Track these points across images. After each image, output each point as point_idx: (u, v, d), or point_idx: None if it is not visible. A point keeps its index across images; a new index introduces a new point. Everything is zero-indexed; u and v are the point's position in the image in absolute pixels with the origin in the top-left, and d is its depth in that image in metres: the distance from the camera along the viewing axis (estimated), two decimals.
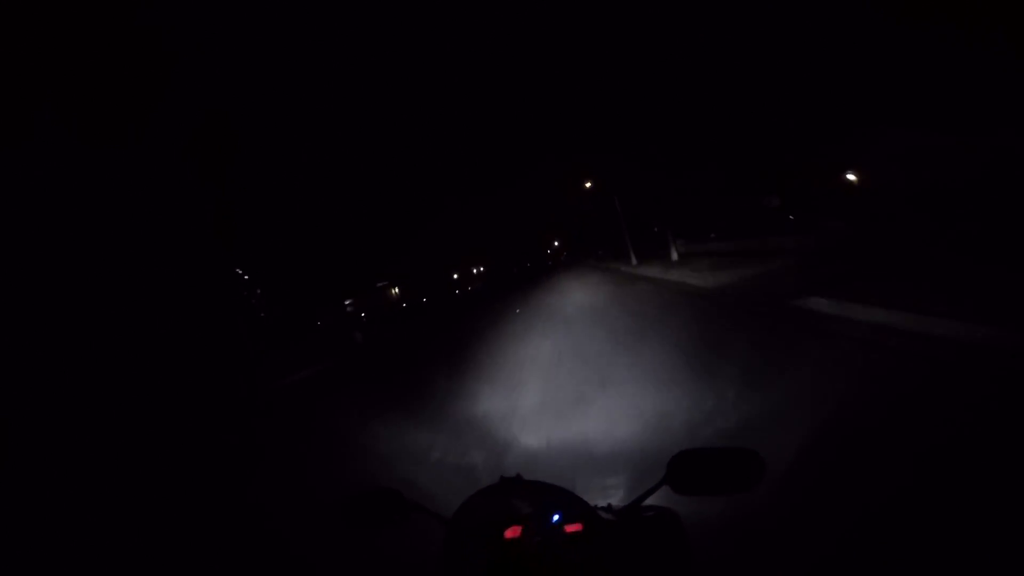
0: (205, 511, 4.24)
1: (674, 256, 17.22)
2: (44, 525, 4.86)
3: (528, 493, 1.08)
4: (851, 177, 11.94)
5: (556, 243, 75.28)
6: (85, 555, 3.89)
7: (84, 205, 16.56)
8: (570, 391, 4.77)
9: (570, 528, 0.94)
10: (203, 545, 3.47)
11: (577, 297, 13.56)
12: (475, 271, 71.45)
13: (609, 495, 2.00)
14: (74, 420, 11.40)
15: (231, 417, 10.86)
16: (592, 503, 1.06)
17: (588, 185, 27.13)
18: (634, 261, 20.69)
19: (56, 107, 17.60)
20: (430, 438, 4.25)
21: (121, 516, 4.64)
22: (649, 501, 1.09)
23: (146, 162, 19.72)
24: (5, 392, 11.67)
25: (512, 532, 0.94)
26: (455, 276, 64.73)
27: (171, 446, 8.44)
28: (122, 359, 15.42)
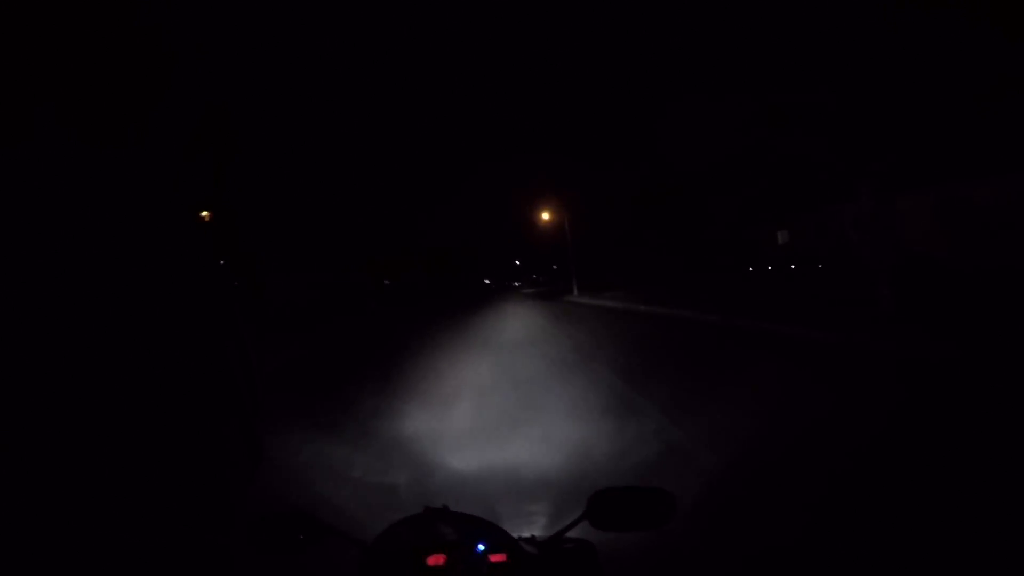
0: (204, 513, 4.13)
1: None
2: (43, 525, 4.97)
3: (452, 523, 1.08)
4: None
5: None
6: (83, 555, 3.96)
7: (84, 205, 16.63)
8: None
9: (495, 558, 0.97)
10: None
11: None
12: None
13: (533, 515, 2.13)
14: (73, 420, 11.52)
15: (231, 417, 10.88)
16: (515, 534, 1.09)
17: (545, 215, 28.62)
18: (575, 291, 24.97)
19: (56, 106, 17.70)
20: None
21: (118, 516, 4.70)
22: (570, 534, 1.13)
23: (146, 162, 19.80)
24: (5, 392, 11.78)
25: (435, 560, 0.95)
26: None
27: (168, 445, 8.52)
28: (122, 359, 15.52)
